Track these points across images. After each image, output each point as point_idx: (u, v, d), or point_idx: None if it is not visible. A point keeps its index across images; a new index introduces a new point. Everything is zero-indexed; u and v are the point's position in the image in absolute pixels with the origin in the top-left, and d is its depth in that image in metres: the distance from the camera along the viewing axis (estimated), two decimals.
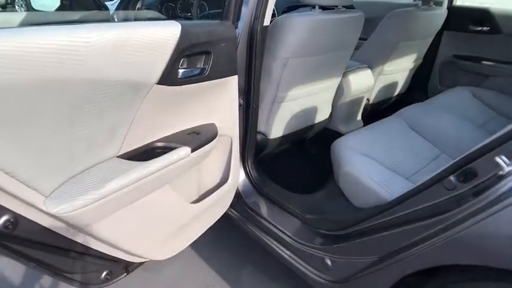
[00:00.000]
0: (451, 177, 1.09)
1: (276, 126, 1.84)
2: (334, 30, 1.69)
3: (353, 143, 1.63)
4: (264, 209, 1.67)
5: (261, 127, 1.81)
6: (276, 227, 1.59)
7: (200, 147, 1.18)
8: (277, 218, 1.62)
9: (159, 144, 1.14)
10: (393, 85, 2.60)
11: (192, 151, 1.15)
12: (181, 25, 1.04)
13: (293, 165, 2.17)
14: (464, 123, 2.01)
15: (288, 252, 1.54)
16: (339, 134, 2.32)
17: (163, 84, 1.02)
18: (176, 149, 1.12)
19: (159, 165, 1.05)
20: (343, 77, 2.10)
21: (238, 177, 1.62)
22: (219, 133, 1.30)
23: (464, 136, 1.89)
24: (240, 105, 1.52)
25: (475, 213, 0.98)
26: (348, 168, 1.49)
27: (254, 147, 1.74)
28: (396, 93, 2.72)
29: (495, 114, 2.28)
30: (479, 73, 2.61)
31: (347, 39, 1.85)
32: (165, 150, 1.12)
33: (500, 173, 0.97)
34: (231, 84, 1.29)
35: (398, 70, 2.50)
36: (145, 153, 1.11)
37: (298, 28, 1.53)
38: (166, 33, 0.99)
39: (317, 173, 1.99)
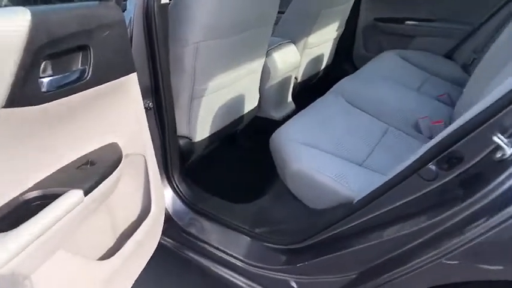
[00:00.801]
0: (430, 166, 0.87)
1: (201, 125, 1.52)
2: (247, 2, 1.40)
3: (294, 133, 1.37)
4: (203, 230, 1.36)
5: (182, 130, 1.48)
6: (222, 250, 1.29)
7: (98, 184, 0.82)
8: (222, 239, 1.32)
9: (33, 194, 0.76)
10: (319, 58, 2.39)
11: (86, 193, 0.79)
12: (32, 12, 0.67)
13: (228, 168, 1.87)
14: (402, 90, 1.85)
15: (244, 280, 1.25)
16: (271, 122, 2.06)
17: (17, 106, 0.66)
18: (61, 196, 0.76)
19: (36, 231, 0.69)
20: (266, 56, 1.82)
21: (164, 199, 1.29)
22: (124, 154, 0.96)
23: (407, 104, 1.72)
24: (148, 109, 1.18)
25: (483, 215, 0.76)
26: (296, 166, 1.23)
27: (178, 157, 1.42)
28: (323, 66, 2.52)
29: (428, 75, 2.17)
30: (404, 34, 2.49)
31: (265, 13, 1.57)
32: (45, 201, 0.75)
33: (500, 155, 0.76)
34: (130, 85, 0.95)
35: (323, 41, 2.29)
36: (12, 215, 0.72)
37: (205, 2, 1.22)
38: (5, 28, 0.63)
39: (258, 173, 1.71)
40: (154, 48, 1.10)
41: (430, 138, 1.57)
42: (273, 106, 2.06)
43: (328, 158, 1.27)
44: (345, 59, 2.74)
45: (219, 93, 1.53)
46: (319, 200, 1.22)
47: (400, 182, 0.92)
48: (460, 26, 2.32)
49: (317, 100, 1.68)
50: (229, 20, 1.33)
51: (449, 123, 1.71)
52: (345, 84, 1.83)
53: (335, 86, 1.83)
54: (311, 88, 2.54)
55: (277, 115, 2.08)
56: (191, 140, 1.53)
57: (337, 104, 1.64)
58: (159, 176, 1.15)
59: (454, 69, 2.26)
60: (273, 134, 1.40)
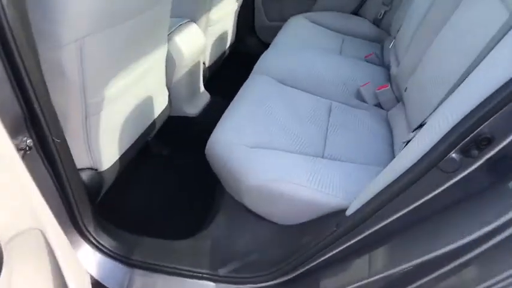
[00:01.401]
0: (453, 155, 0.65)
1: (105, 148, 1.14)
2: None
3: (235, 135, 1.07)
4: None
5: (82, 161, 1.09)
6: None
7: None
8: None
9: None
10: (224, 36, 2.08)
11: None
12: None
13: (151, 192, 1.50)
14: (328, 57, 1.64)
15: None
16: (187, 120, 1.72)
17: None
18: None
19: None
20: (168, 43, 1.46)
21: (83, 272, 0.90)
22: (6, 240, 0.57)
23: (339, 72, 1.52)
24: (26, 149, 0.78)
25: None
26: (254, 179, 0.94)
27: (86, 199, 1.03)
28: (228, 45, 2.21)
29: (342, 35, 2.01)
30: None
31: None
32: None
33: None
34: None
35: (224, 15, 1.98)
36: None
37: None
38: None
39: (191, 190, 1.39)
40: (14, 57, 0.70)
41: (378, 106, 1.39)
42: (185, 101, 1.72)
43: (287, 158, 1.00)
44: (247, 33, 2.47)
45: (119, 101, 1.15)
46: (293, 215, 0.95)
47: (414, 181, 0.69)
48: None
49: (243, 86, 1.39)
50: (117, 3, 0.95)
51: (392, 85, 1.57)
52: (267, 61, 1.56)
53: (257, 66, 1.55)
54: (220, 72, 2.23)
55: (192, 111, 1.75)
56: (97, 170, 1.14)
57: (268, 87, 1.37)
58: (68, 244, 0.77)
59: (366, 26, 2.13)
60: (209, 141, 1.08)
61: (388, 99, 1.38)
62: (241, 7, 2.19)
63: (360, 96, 1.43)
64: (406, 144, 0.89)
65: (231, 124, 1.10)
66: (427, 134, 0.71)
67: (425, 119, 1.00)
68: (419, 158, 0.68)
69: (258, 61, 1.57)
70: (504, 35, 0.81)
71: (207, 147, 1.08)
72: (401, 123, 1.29)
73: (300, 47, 1.72)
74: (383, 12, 2.07)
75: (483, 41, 0.87)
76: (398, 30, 1.67)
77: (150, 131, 1.46)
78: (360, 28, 2.09)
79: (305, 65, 1.52)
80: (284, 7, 2.35)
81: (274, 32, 2.26)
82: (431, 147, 0.66)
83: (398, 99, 1.39)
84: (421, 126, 1.01)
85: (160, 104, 1.49)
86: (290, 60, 1.54)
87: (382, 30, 2.08)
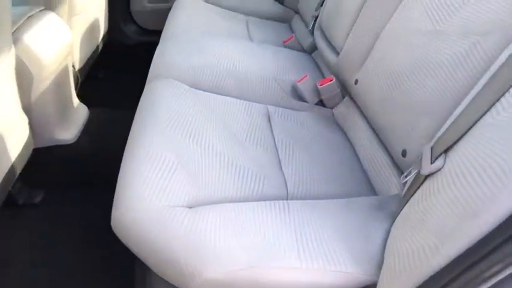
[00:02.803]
0: None
1: None
2: None
3: (159, 193, 0.66)
4: None
5: None
6: None
7: None
8: None
9: None
10: (94, 27, 1.58)
11: None
12: None
13: (35, 264, 1.00)
14: (242, 46, 1.31)
15: None
16: (63, 149, 1.24)
17: None
18: None
19: None
20: (14, 45, 0.96)
21: None
22: None
23: (265, 66, 1.21)
24: None
25: None
26: (213, 272, 0.56)
27: None
28: (101, 36, 1.71)
29: (245, 16, 1.69)
30: None
31: None
32: None
33: None
34: None
35: (91, 1, 1.49)
36: None
37: None
38: None
39: (94, 257, 0.94)
40: None
41: (320, 104, 1.12)
42: (54, 124, 1.22)
43: (249, 218, 0.64)
44: (122, 19, 1.98)
45: None
46: None
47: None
48: None
49: (143, 99, 0.97)
50: None
51: (322, 75, 1.30)
52: (167, 59, 1.15)
53: (155, 67, 1.13)
54: (96, 73, 1.74)
55: (66, 135, 1.26)
56: None
57: (180, 96, 0.96)
58: None
59: (268, 3, 1.82)
60: (115, 211, 0.66)
61: (333, 96, 1.11)
62: None
63: (296, 94, 1.12)
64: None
65: (144, 172, 0.69)
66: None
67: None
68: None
69: (154, 60, 1.15)
70: None
71: (114, 216, 0.65)
72: (356, 124, 1.03)
73: (203, 36, 1.34)
74: None
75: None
76: (319, 7, 1.40)
77: (10, 180, 0.97)
78: (261, 6, 1.78)
79: (218, 59, 1.16)
80: None
81: (156, 16, 1.85)
82: None
83: (343, 94, 1.12)
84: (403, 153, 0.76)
85: (17, 139, 0.99)
86: (197, 55, 1.16)
87: (288, 8, 1.80)
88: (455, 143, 0.58)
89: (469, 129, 0.57)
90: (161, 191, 0.65)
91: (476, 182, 0.47)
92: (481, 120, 0.56)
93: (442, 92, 0.73)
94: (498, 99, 0.57)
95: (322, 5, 1.39)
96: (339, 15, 1.19)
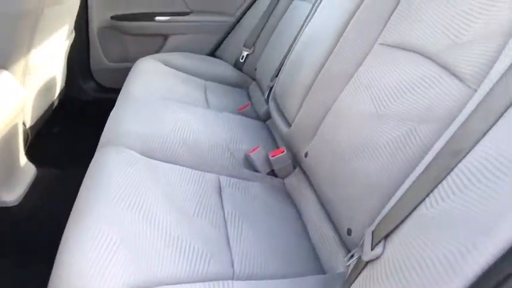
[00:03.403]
0: None
1: None
2: None
3: (99, 276, 0.63)
4: None
5: None
6: None
7: None
8: None
9: None
10: (51, 84, 1.56)
11: None
12: None
13: None
14: (198, 112, 1.33)
15: None
16: (5, 212, 1.18)
17: None
18: None
19: None
20: None
21: None
22: None
23: (219, 134, 1.23)
24: None
25: None
26: None
27: None
28: (57, 93, 1.69)
29: (203, 81, 1.73)
30: (155, 34, 1.93)
31: None
32: None
33: None
34: None
35: (51, 58, 1.48)
36: None
37: None
38: None
39: None
40: None
41: (272, 174, 1.14)
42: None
43: None
44: (82, 77, 1.97)
45: None
46: None
47: None
48: (220, 18, 1.95)
49: (91, 167, 0.95)
50: None
51: (276, 144, 1.33)
52: (120, 124, 1.14)
53: (107, 132, 1.12)
54: (49, 130, 1.70)
55: (9, 197, 1.20)
56: None
57: (130, 165, 0.95)
58: None
59: (226, 69, 1.89)
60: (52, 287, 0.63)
61: (284, 167, 1.13)
62: (72, 45, 1.71)
63: (249, 164, 1.14)
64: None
65: (86, 250, 0.67)
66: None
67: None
68: None
69: (107, 125, 1.15)
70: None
71: None
72: (306, 197, 1.05)
73: (159, 100, 1.35)
74: (245, 55, 1.86)
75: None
76: (275, 76, 1.46)
77: None
78: (220, 72, 1.84)
79: (172, 127, 1.17)
80: (128, 46, 1.95)
81: (116, 74, 1.86)
82: None
83: (294, 165, 1.16)
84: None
85: None
86: (151, 122, 1.16)
87: (246, 75, 1.87)
88: (393, 230, 0.60)
89: (406, 217, 0.59)
90: (101, 272, 0.63)
91: (413, 278, 0.48)
92: (417, 210, 0.59)
93: (382, 175, 0.77)
94: (432, 191, 0.61)
95: (277, 76, 1.45)
96: (292, 88, 1.25)
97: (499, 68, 0.63)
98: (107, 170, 0.91)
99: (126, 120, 1.14)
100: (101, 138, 1.11)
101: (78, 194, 0.84)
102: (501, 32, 0.66)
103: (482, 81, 0.66)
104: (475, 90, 0.67)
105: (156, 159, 1.03)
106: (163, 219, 0.79)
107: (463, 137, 0.62)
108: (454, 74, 0.73)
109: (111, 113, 1.23)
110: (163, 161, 1.03)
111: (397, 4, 0.93)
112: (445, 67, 0.75)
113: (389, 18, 0.94)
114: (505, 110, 0.58)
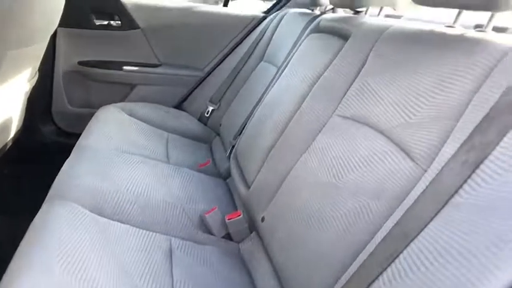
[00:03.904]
0: None
1: None
2: None
3: None
4: None
5: None
6: None
7: None
8: None
9: None
10: (6, 125, 1.50)
11: None
12: None
13: None
14: (156, 167, 1.30)
15: None
16: None
17: None
18: None
19: None
20: None
21: None
22: None
23: (176, 193, 1.20)
24: None
25: None
26: None
27: None
28: (12, 134, 1.62)
29: (165, 133, 1.70)
30: (122, 83, 1.92)
31: None
32: None
33: None
34: None
35: (10, 99, 1.43)
36: None
37: None
38: None
39: None
40: None
41: (227, 237, 1.11)
42: None
43: None
44: (41, 118, 1.92)
45: None
46: None
47: None
48: (189, 72, 1.97)
49: (35, 222, 0.89)
50: None
51: (234, 205, 1.31)
52: (71, 178, 1.09)
53: (56, 185, 1.07)
54: (1, 170, 1.61)
55: None
56: None
57: (78, 224, 0.90)
58: None
59: (191, 123, 1.89)
60: None
61: (240, 230, 1.11)
62: (35, 86, 1.67)
63: (204, 226, 1.11)
64: None
65: None
66: None
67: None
68: None
69: (58, 177, 1.10)
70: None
71: None
72: (260, 263, 1.02)
73: (117, 152, 1.32)
74: (211, 110, 1.87)
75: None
76: (238, 135, 1.47)
77: None
78: (185, 125, 1.83)
79: (127, 183, 1.13)
80: (92, 92, 1.93)
81: (78, 120, 1.82)
82: None
83: (251, 229, 1.13)
84: None
85: None
86: (104, 177, 1.12)
87: (210, 130, 1.87)
88: None
89: None
90: None
91: None
92: None
93: (336, 247, 0.76)
94: (381, 273, 0.60)
95: (240, 135, 1.45)
96: (253, 149, 1.25)
97: (448, 150, 0.66)
98: (50, 226, 0.86)
99: (78, 172, 1.10)
100: (50, 190, 1.06)
101: (17, 251, 0.78)
102: (451, 115, 0.69)
103: (432, 162, 0.68)
104: (425, 171, 0.69)
105: (105, 217, 0.98)
106: (105, 286, 0.74)
107: (411, 220, 0.63)
108: (405, 152, 0.74)
109: (64, 164, 1.18)
110: (113, 220, 0.99)
111: (353, 81, 0.97)
112: (397, 144, 0.77)
113: (346, 92, 0.98)
114: (452, 196, 0.60)
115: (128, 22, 1.81)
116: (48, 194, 1.05)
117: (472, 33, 0.76)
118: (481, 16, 0.81)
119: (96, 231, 0.90)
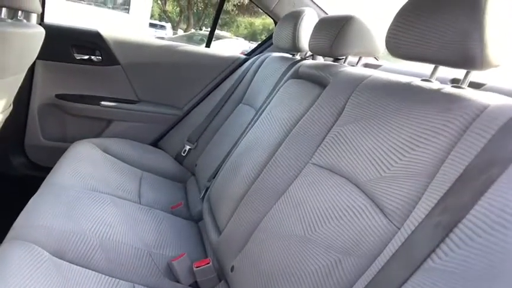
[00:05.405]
0: None
1: None
2: None
3: None
4: None
5: None
6: None
7: None
8: None
9: None
10: None
11: None
12: None
13: None
14: (126, 208, 1.25)
15: None
16: None
17: None
18: None
19: None
20: None
21: None
22: None
23: (144, 236, 1.15)
24: None
25: None
26: None
27: None
28: None
29: (139, 171, 1.66)
30: (98, 118, 1.89)
31: None
32: None
33: None
34: None
35: None
36: None
37: None
38: None
39: None
40: None
41: (195, 286, 1.06)
42: None
43: None
44: (12, 151, 1.86)
45: None
46: None
47: None
48: (168, 110, 1.96)
49: None
50: None
51: (204, 250, 1.26)
52: (35, 218, 1.04)
53: (16, 225, 1.01)
54: None
55: None
56: None
57: (36, 269, 0.85)
58: None
59: (167, 161, 1.85)
60: None
61: (208, 279, 1.06)
62: (9, 118, 1.62)
63: (171, 273, 1.06)
64: None
65: None
66: None
67: None
68: None
69: (20, 216, 1.04)
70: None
71: None
72: None
73: (86, 190, 1.27)
74: (187, 150, 1.85)
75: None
76: (212, 177, 1.44)
77: None
78: (160, 163, 1.80)
79: (92, 225, 1.08)
80: (68, 126, 1.89)
81: (51, 153, 1.77)
82: None
83: (220, 277, 1.09)
84: None
85: None
86: (69, 218, 1.07)
87: (185, 169, 1.84)
88: None
89: None
90: None
91: None
92: None
93: None
94: None
95: (214, 177, 1.43)
96: (225, 194, 1.22)
97: (421, 209, 0.64)
98: (7, 269, 0.81)
99: (42, 212, 1.05)
100: (10, 229, 1.00)
101: None
102: (425, 172, 0.67)
103: (405, 220, 0.67)
104: (398, 228, 0.67)
105: (67, 261, 0.93)
106: None
107: (383, 283, 0.61)
108: (379, 207, 0.73)
109: (29, 201, 1.12)
110: (75, 264, 0.93)
111: (330, 129, 0.97)
112: (371, 198, 0.76)
113: (322, 140, 0.97)
114: (424, 260, 0.58)
115: (109, 57, 1.80)
116: (9, 233, 0.99)
117: (449, 89, 0.74)
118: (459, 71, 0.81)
119: (56, 275, 0.85)
